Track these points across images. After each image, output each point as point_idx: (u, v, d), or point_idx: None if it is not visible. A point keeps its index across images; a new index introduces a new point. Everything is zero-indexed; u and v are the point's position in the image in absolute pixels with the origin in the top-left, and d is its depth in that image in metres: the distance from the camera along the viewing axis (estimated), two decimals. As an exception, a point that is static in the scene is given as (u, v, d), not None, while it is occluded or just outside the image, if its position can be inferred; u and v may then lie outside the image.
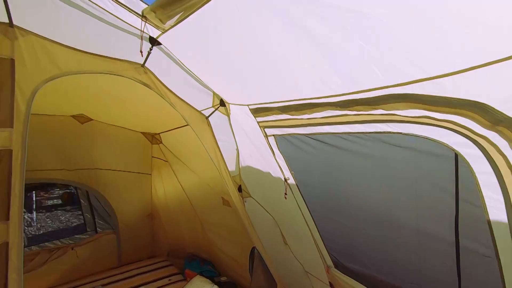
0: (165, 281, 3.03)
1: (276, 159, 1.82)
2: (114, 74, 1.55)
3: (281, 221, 2.27)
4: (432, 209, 1.29)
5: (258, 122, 1.74)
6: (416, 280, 1.61)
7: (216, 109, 1.98)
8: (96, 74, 1.52)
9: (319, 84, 1.14)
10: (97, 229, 3.18)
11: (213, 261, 3.06)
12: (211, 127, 2.06)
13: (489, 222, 0.98)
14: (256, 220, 2.36)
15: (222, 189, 2.29)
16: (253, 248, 2.03)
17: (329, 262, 2.01)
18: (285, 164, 1.77)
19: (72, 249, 2.98)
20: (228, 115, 2.01)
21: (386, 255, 1.75)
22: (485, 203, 0.96)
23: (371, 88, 0.97)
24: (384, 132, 1.09)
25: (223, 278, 2.82)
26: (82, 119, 2.86)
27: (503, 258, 1.01)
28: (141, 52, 1.40)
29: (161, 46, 1.47)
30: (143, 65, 1.62)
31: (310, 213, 1.87)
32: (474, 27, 0.67)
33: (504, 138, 0.81)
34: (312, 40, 0.94)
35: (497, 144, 0.83)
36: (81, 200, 3.20)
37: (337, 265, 2.01)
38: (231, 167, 2.26)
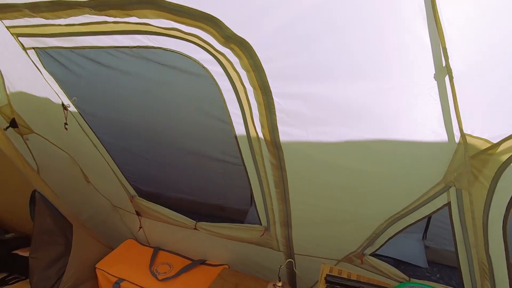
0: None
1: (48, 82, 1.44)
2: None
3: (78, 157, 1.98)
4: (208, 135, 1.41)
5: (7, 27, 1.26)
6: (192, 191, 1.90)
7: None
8: None
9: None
10: None
11: (-9, 217, 2.40)
12: None
13: (236, 137, 1.14)
14: (46, 159, 1.97)
15: (-24, 125, 1.68)
16: (34, 192, 1.68)
17: (133, 192, 1.98)
18: (60, 88, 1.44)
19: None
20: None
21: (178, 178, 1.91)
22: (231, 120, 1.09)
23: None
24: (147, 47, 1.00)
25: (8, 235, 2.30)
26: None
27: (247, 164, 1.24)
28: None
29: None
30: None
31: (103, 145, 1.69)
32: None
33: (235, 55, 0.88)
34: None
35: (231, 61, 0.90)
36: None
37: (142, 194, 2.01)
38: (-8, 94, 1.66)
